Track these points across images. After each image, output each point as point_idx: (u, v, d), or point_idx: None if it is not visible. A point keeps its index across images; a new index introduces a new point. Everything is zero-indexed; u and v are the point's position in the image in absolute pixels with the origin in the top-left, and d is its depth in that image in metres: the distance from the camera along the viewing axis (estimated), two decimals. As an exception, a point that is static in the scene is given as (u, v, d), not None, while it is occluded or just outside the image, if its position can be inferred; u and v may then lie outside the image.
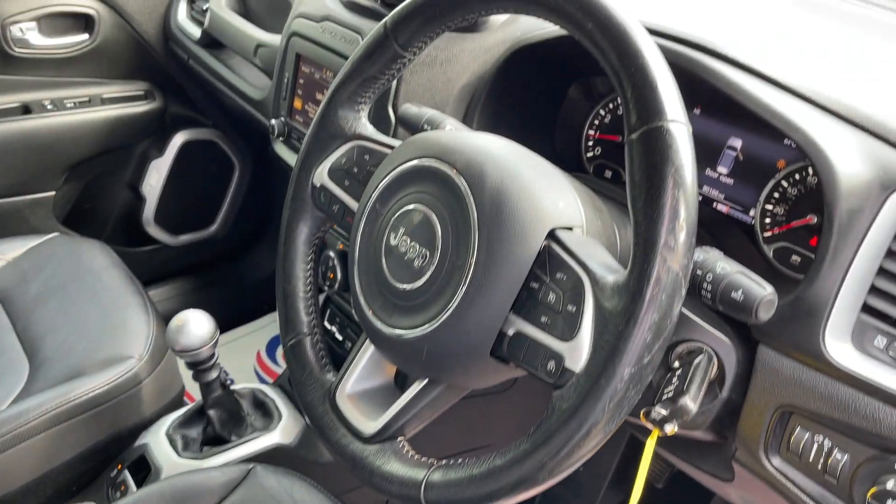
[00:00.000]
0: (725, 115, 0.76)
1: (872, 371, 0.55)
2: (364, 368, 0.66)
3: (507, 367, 0.57)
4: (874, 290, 0.57)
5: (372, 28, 0.92)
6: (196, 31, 1.40)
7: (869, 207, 0.56)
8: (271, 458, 1.02)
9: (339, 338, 1.18)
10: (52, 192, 1.52)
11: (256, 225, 1.80)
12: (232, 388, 1.06)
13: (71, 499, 1.02)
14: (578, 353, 0.49)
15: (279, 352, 1.72)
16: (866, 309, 0.57)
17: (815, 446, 0.58)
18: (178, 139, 1.63)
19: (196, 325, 0.94)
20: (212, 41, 1.36)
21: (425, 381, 0.60)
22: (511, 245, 0.53)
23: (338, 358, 1.14)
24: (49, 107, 1.46)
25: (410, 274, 0.58)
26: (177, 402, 1.17)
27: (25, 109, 1.45)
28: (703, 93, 0.69)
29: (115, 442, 1.06)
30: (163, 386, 1.12)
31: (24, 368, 1.10)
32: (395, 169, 0.62)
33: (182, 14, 1.46)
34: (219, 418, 1.01)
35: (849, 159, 0.58)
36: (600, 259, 0.52)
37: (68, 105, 1.48)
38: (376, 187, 0.63)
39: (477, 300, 0.53)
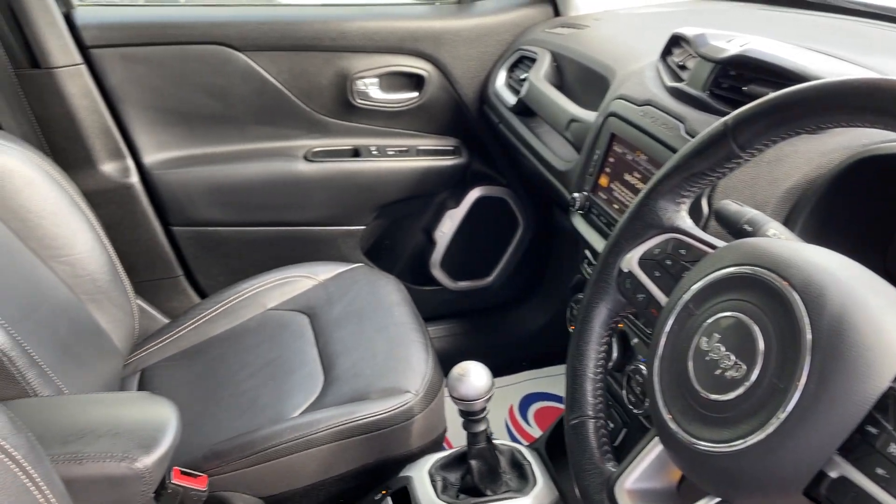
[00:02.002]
0: None
1: None
2: (648, 467, 0.64)
3: (818, 510, 0.52)
4: None
5: (696, 117, 0.92)
6: (510, 98, 1.50)
7: None
8: (522, 521, 1.03)
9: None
10: (363, 227, 1.71)
11: (529, 282, 1.86)
12: (494, 441, 1.09)
13: (338, 510, 1.12)
14: None
15: (532, 411, 1.74)
16: None
17: None
18: (474, 193, 1.75)
19: (476, 377, 0.99)
20: (524, 109, 1.44)
21: (716, 499, 0.57)
22: (849, 380, 0.48)
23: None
24: (374, 152, 1.66)
25: (720, 384, 0.55)
26: (438, 443, 1.23)
27: (355, 152, 1.66)
28: None
29: (381, 467, 1.15)
30: (430, 424, 1.20)
31: (320, 381, 1.23)
32: (716, 271, 0.60)
33: (500, 81, 1.57)
34: (478, 470, 1.04)
35: None
36: (962, 418, 0.45)
37: (389, 152, 1.66)
38: (692, 286, 0.61)
39: (798, 431, 0.49)
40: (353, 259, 1.66)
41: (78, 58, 1.41)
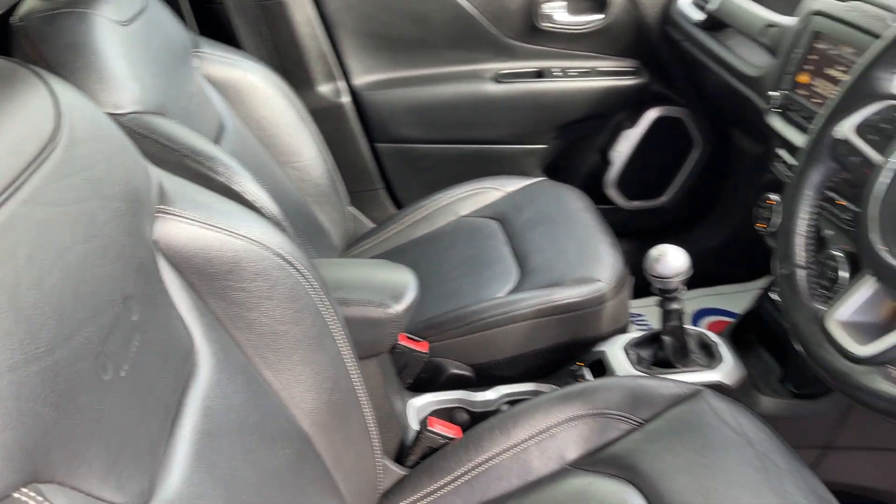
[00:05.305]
0: None
1: None
2: (858, 302, 0.72)
3: None
4: None
5: (908, 6, 0.95)
6: (697, 15, 1.54)
7: None
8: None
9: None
10: (544, 146, 1.82)
11: (704, 202, 1.90)
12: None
13: (535, 380, 1.26)
14: None
15: (704, 324, 1.81)
16: None
17: None
18: (651, 114, 1.80)
19: (673, 257, 1.09)
20: (713, 24, 1.48)
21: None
22: None
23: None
24: (557, 73, 1.75)
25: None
26: (623, 331, 1.34)
27: (538, 74, 1.76)
28: None
29: (575, 345, 1.27)
30: (618, 312, 1.31)
31: (515, 273, 1.37)
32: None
33: (685, 0, 1.61)
34: (671, 345, 1.14)
35: None
36: None
37: (571, 73, 1.76)
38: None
39: None
40: (534, 176, 1.77)
41: (302, -13, 1.61)
